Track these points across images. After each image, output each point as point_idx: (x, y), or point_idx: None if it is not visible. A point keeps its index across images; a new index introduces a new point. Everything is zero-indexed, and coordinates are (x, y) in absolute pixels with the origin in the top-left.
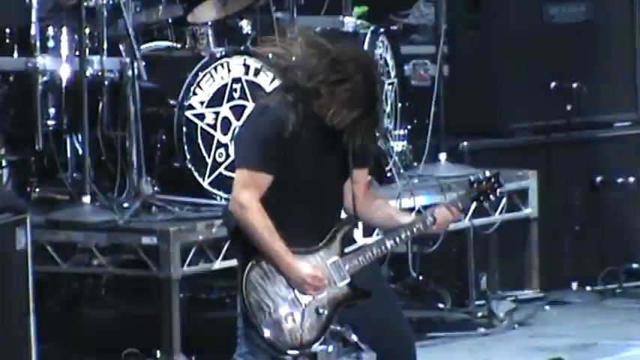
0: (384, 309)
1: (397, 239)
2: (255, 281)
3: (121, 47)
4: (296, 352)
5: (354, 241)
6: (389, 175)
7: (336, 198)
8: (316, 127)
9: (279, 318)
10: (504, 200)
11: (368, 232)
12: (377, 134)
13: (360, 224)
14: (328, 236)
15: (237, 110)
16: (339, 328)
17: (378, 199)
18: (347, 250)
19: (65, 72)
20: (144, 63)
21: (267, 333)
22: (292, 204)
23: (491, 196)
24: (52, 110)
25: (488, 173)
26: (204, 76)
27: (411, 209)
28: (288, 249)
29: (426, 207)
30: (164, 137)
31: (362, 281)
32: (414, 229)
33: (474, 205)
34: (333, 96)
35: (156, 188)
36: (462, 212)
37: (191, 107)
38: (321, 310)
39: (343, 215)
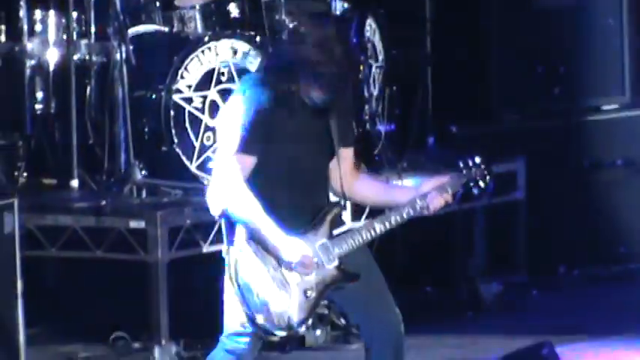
0: (373, 293)
1: (387, 223)
2: (244, 263)
3: (109, 31)
4: (284, 333)
5: (343, 223)
6: (377, 159)
7: (323, 178)
8: (297, 106)
9: (267, 299)
10: (491, 184)
11: (357, 215)
12: (359, 114)
13: (348, 205)
14: (317, 218)
15: (225, 94)
16: (327, 311)
17: (366, 176)
18: (336, 232)
19: (53, 56)
20: (131, 47)
21: (255, 314)
22: (278, 185)
23: (480, 183)
24: (39, 94)
25: (478, 159)
26: (191, 59)
27: None
28: (279, 230)
29: None
30: (152, 121)
31: (351, 264)
32: (404, 214)
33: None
34: (315, 75)
35: (144, 172)
36: (453, 197)
37: (179, 91)
38: (308, 293)
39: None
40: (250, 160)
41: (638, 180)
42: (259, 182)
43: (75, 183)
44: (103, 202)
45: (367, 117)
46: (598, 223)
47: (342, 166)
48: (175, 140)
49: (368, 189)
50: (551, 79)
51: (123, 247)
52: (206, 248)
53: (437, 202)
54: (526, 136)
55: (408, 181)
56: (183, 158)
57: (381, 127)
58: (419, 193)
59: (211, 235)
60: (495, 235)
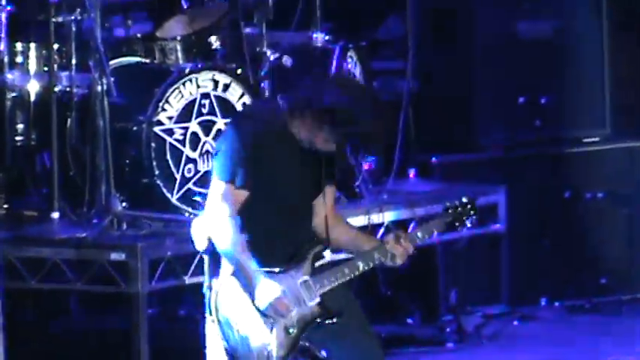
0: (354, 330)
1: (370, 263)
2: (225, 297)
3: (90, 63)
4: None
5: (324, 260)
6: (357, 190)
7: (308, 215)
8: (292, 143)
9: (248, 334)
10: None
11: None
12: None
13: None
14: (300, 255)
15: (206, 126)
16: (307, 344)
17: (342, 222)
18: (318, 269)
19: (34, 88)
20: (113, 78)
21: (235, 350)
22: (265, 220)
23: (466, 222)
24: (20, 126)
25: (465, 199)
26: (172, 91)
27: (380, 225)
28: (258, 268)
29: (395, 222)
30: (133, 153)
31: (332, 301)
32: (388, 256)
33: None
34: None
35: (124, 204)
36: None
37: (160, 123)
38: (290, 330)
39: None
40: (243, 195)
41: (619, 212)
42: (247, 216)
43: (56, 215)
44: (84, 234)
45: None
46: (579, 255)
47: (326, 202)
48: (156, 172)
49: (343, 239)
50: (533, 111)
51: (104, 279)
52: (187, 280)
53: (403, 254)
54: (507, 167)
55: (389, 214)
56: (164, 190)
57: (362, 159)
58: (378, 244)
59: (192, 267)
60: (477, 266)
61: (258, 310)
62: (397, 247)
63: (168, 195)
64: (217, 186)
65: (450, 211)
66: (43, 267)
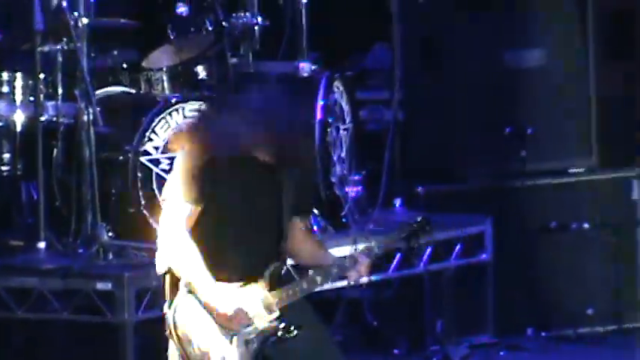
0: (315, 343)
1: (329, 277)
2: (184, 314)
3: (76, 92)
4: None
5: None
6: (344, 220)
7: (267, 231)
8: (249, 161)
9: (207, 350)
10: (459, 245)
11: (298, 269)
12: (326, 176)
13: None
14: (259, 270)
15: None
16: None
17: (316, 244)
18: (276, 284)
19: (19, 117)
20: (99, 108)
21: None
22: (220, 235)
23: (420, 238)
24: (6, 155)
25: (419, 218)
26: (159, 121)
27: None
28: (214, 283)
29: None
30: (119, 183)
31: (292, 315)
32: (344, 270)
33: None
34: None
35: (111, 233)
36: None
37: (146, 153)
38: (249, 344)
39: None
40: (193, 210)
41: (605, 242)
42: (201, 231)
43: (42, 244)
44: (70, 264)
45: (334, 179)
46: (565, 285)
47: (293, 233)
48: (143, 202)
49: (307, 250)
50: (518, 141)
51: (90, 309)
52: None
53: (351, 273)
54: (493, 197)
55: (375, 243)
56: (151, 220)
57: (348, 189)
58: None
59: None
60: (463, 296)
61: (218, 325)
62: (357, 259)
63: (155, 225)
64: (168, 205)
65: (405, 227)
66: (29, 297)
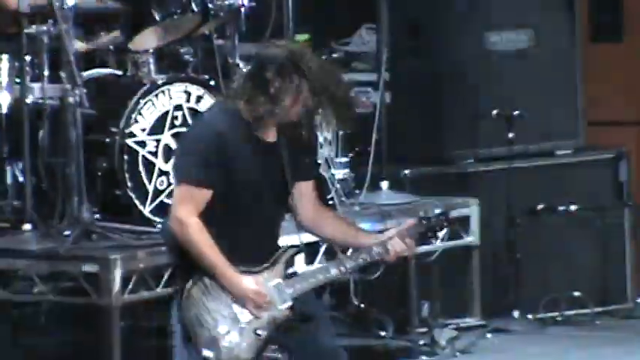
0: (323, 338)
1: (342, 268)
2: (196, 297)
3: (62, 74)
4: None
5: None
6: (330, 202)
7: (279, 218)
8: (255, 143)
9: (218, 335)
10: (446, 228)
11: (310, 259)
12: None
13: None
14: (272, 258)
15: (179, 137)
16: (278, 355)
17: (331, 213)
18: (290, 273)
19: (5, 99)
20: (85, 90)
21: (204, 350)
22: (232, 221)
23: (438, 234)
24: None
25: (437, 210)
26: (145, 103)
27: None
28: (229, 264)
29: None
30: (105, 165)
31: (303, 306)
32: (360, 260)
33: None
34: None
35: (97, 216)
36: (415, 245)
37: (132, 135)
38: (259, 331)
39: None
40: (206, 194)
41: (592, 224)
42: (213, 216)
43: (27, 226)
44: (56, 246)
45: (321, 161)
46: (552, 267)
47: (303, 200)
48: (129, 184)
49: (330, 226)
50: (505, 123)
51: (76, 291)
52: (160, 292)
53: (399, 248)
54: (480, 180)
55: (361, 226)
56: (137, 202)
57: (335, 172)
58: (378, 239)
59: (164, 279)
60: (449, 278)
61: (229, 311)
62: (402, 246)
63: (141, 207)
64: (179, 187)
65: (423, 222)
66: (15, 278)
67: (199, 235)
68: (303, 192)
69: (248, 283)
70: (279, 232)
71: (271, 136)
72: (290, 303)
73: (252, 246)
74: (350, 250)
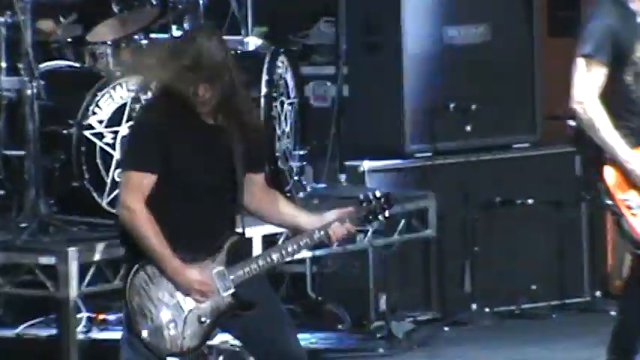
0: (275, 327)
1: (284, 252)
2: (139, 285)
3: (20, 66)
4: (175, 359)
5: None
6: (288, 195)
7: (225, 205)
8: (197, 128)
9: (161, 324)
10: (403, 221)
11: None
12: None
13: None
14: (215, 245)
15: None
16: (236, 348)
17: (278, 197)
18: (233, 260)
19: None
20: (43, 82)
21: (147, 338)
22: (176, 207)
23: (379, 217)
24: None
25: (378, 193)
26: (103, 95)
27: None
28: (174, 253)
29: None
30: (62, 157)
31: (248, 293)
32: (301, 244)
33: (364, 224)
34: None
35: (54, 208)
36: (355, 228)
37: (90, 127)
38: (203, 319)
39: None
40: (149, 178)
41: (549, 218)
42: (157, 203)
43: None
44: (13, 238)
45: (279, 154)
46: (509, 261)
47: (251, 188)
48: (86, 176)
49: (275, 208)
50: (463, 117)
51: (33, 283)
52: (117, 284)
53: (339, 233)
54: (437, 173)
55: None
56: (94, 194)
57: (293, 164)
58: (319, 223)
59: (122, 271)
60: (407, 272)
61: (172, 299)
62: (342, 229)
63: (99, 199)
64: (123, 175)
65: (363, 204)
66: None
67: (145, 223)
68: (253, 181)
69: (192, 274)
70: (228, 219)
71: (211, 119)
72: (232, 290)
73: (196, 232)
74: (291, 235)
